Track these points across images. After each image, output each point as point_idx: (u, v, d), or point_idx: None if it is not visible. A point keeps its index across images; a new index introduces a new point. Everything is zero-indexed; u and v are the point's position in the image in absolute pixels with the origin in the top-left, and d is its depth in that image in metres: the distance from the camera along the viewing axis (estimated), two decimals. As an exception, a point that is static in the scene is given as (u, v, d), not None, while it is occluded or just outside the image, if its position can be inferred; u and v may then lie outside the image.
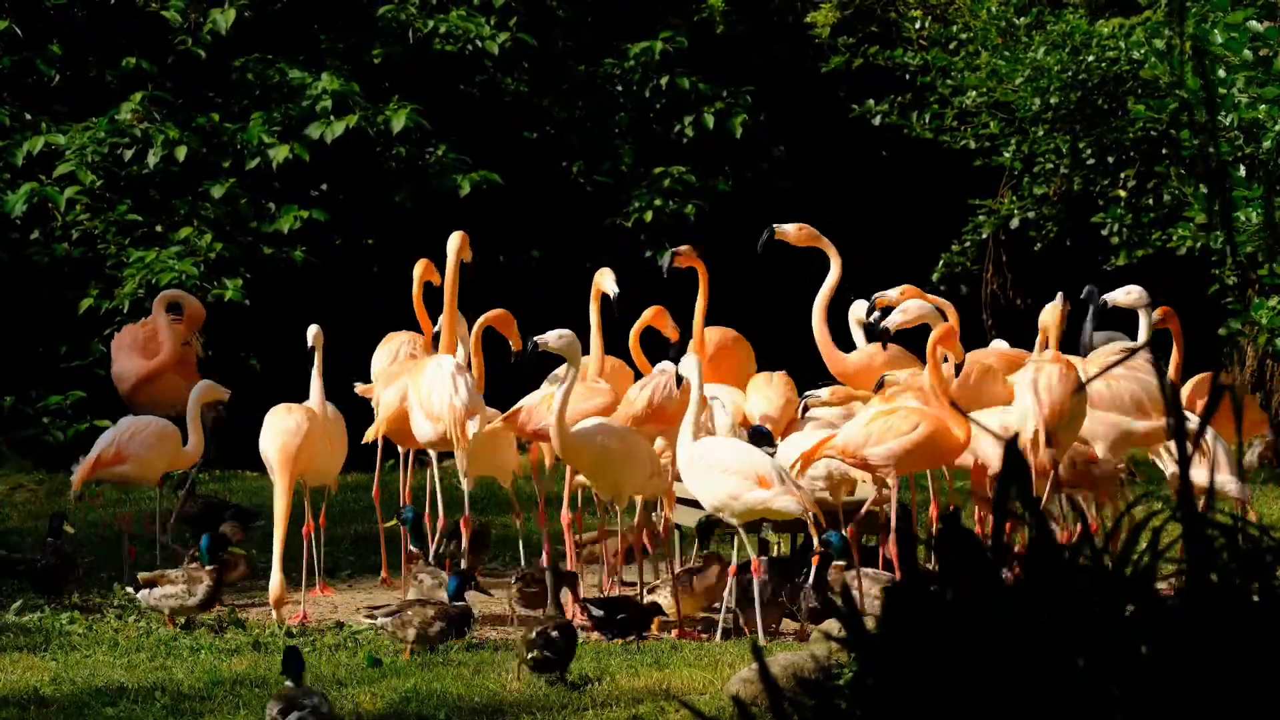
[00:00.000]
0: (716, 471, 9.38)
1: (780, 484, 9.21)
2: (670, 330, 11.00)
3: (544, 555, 10.42)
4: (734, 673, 8.02)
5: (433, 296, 11.04)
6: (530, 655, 8.42)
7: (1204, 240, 12.95)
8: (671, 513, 10.45)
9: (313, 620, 10.25)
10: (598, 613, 9.72)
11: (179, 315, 12.68)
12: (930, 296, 10.67)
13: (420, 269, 11.14)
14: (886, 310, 10.45)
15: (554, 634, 8.44)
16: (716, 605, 10.06)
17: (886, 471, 9.62)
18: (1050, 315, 10.02)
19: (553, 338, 9.75)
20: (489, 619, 10.29)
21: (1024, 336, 11.26)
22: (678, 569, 10.47)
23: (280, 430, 10.21)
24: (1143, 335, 10.12)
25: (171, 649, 9.23)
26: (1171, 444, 10.12)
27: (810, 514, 9.26)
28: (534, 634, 8.46)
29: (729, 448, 9.50)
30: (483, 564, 11.53)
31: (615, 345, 11.05)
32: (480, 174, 16.73)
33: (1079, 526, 9.75)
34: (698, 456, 9.45)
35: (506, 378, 11.01)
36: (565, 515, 10.53)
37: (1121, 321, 11.39)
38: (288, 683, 7.35)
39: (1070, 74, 14.46)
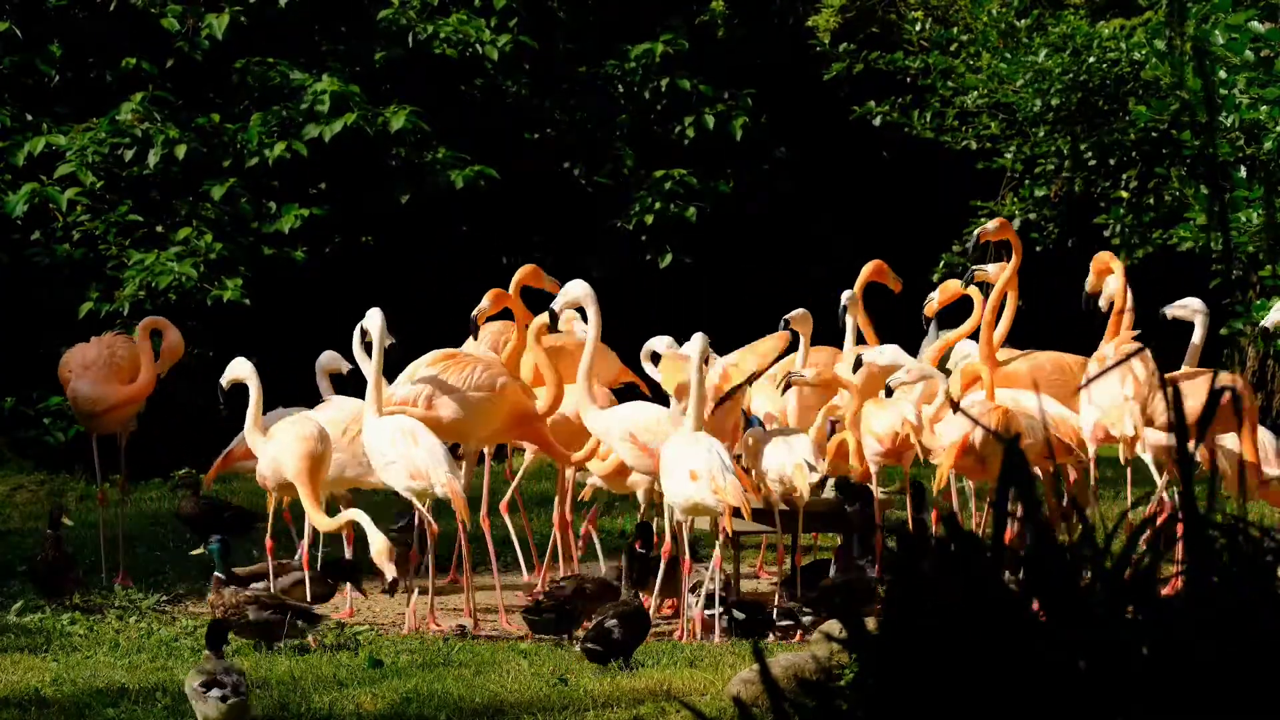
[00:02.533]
0: (668, 467, 9.51)
1: (705, 479, 9.24)
2: (893, 282, 11.63)
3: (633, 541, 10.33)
4: (735, 673, 8.02)
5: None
6: (585, 645, 8.75)
7: (1205, 240, 12.95)
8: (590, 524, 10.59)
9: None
10: (740, 615, 9.76)
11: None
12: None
13: (525, 273, 11.00)
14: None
15: (609, 624, 8.70)
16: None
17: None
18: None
19: None
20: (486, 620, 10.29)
21: (1025, 338, 11.26)
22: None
23: (305, 437, 9.90)
24: (1196, 340, 10.28)
25: (173, 650, 9.23)
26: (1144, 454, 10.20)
27: (727, 511, 9.25)
28: (590, 625, 8.81)
29: (681, 444, 9.52)
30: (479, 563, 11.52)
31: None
32: (475, 169, 16.74)
33: (1079, 526, 9.75)
34: (662, 453, 9.61)
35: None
36: (559, 513, 10.55)
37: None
38: (206, 652, 7.67)
39: (1071, 75, 14.46)
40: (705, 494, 9.30)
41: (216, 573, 9.23)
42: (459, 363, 10.26)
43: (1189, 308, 10.51)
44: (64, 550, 10.46)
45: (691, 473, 9.34)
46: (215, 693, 7.37)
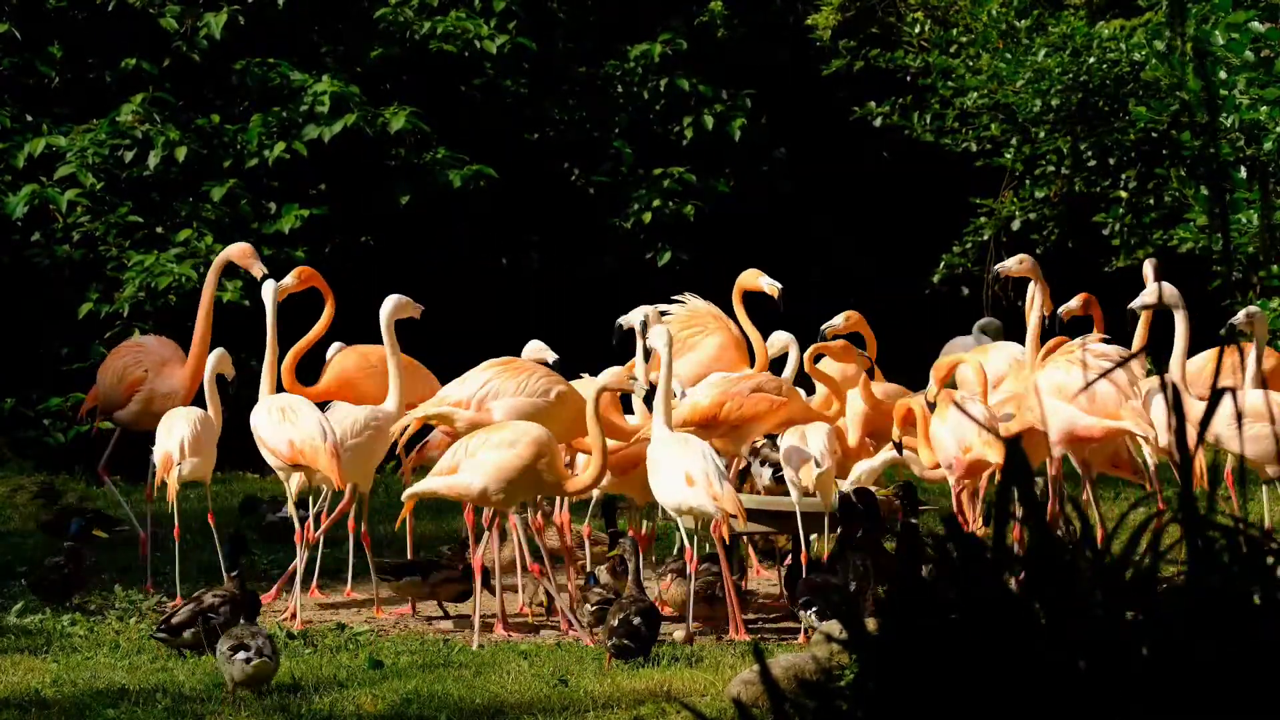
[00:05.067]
0: (659, 467, 9.46)
1: (703, 484, 9.22)
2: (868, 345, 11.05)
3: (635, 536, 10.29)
4: (735, 674, 8.02)
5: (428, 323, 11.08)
6: (611, 642, 8.75)
7: (1205, 241, 12.96)
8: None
9: (314, 621, 10.25)
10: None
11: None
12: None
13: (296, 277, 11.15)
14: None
15: (636, 620, 8.74)
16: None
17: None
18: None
19: None
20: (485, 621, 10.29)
21: (1024, 338, 11.24)
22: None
23: (539, 439, 9.51)
24: (1254, 361, 9.95)
25: (173, 650, 9.23)
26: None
27: (725, 517, 9.22)
28: (615, 621, 8.76)
29: (672, 444, 9.48)
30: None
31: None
32: (473, 168, 16.74)
33: (1079, 527, 9.73)
34: (650, 452, 9.56)
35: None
36: (560, 516, 10.56)
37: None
38: (241, 623, 8.36)
39: (1071, 76, 14.47)
40: (704, 500, 9.24)
41: None
42: (516, 369, 10.26)
43: (1250, 315, 10.00)
44: (83, 565, 10.47)
45: (688, 477, 9.28)
46: (241, 655, 7.87)
